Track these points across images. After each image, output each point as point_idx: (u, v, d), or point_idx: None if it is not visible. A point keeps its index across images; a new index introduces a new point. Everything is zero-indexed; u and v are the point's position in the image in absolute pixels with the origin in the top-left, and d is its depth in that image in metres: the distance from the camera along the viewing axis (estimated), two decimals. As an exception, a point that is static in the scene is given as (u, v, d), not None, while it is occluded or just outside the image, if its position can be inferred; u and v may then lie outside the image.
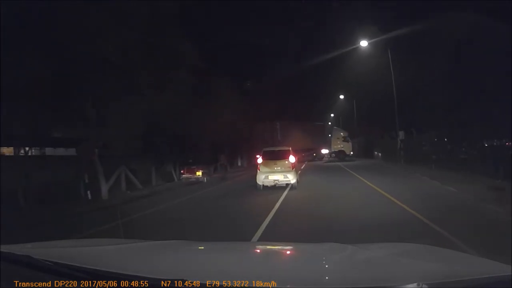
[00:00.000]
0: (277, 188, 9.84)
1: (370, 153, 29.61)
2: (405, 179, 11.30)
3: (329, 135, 28.96)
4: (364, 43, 19.95)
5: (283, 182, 9.91)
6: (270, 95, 26.61)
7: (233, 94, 19.02)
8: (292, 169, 10.01)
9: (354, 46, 20.61)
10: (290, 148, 10.73)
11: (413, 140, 18.76)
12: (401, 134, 18.88)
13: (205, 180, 13.51)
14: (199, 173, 13.45)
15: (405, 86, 18.68)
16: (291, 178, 9.86)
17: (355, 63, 24.15)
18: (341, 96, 37.82)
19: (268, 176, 9.90)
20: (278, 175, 9.90)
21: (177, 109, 12.12)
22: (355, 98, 33.81)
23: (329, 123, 31.95)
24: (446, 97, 16.57)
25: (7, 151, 10.54)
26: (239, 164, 25.37)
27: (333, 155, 27.73)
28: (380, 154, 26.74)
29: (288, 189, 9.77)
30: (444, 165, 13.54)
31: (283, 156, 10.25)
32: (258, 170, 10.21)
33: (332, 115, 45.81)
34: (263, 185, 9.99)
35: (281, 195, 8.62)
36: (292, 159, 10.16)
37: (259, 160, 10.37)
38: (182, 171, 13.96)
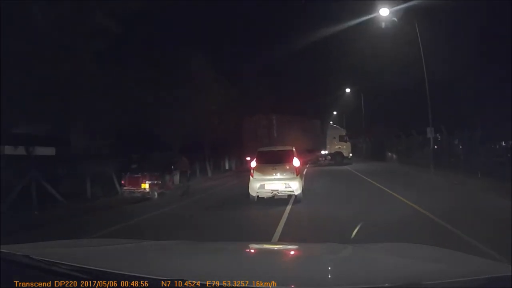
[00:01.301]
0: (276, 203, 8.89)
1: (380, 154, 30.20)
2: (471, 203, 8.26)
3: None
4: (384, 12, 17.78)
5: (284, 193, 9.19)
6: (264, 82, 26.85)
7: (214, 77, 18.38)
8: (297, 175, 9.28)
9: (372, 15, 18.68)
10: (294, 148, 9.96)
11: (443, 140, 18.35)
12: (430, 132, 18.03)
13: (155, 196, 11.53)
14: (145, 186, 11.30)
15: (431, 74, 18.39)
16: (295, 188, 9.08)
17: (366, 45, 24.40)
18: (347, 90, 38.61)
19: (264, 185, 9.16)
20: (278, 183, 9.14)
21: (112, 86, 10.81)
22: (364, 91, 34.68)
23: (331, 122, 32.49)
24: (483, 88, 16.48)
25: None
26: (227, 167, 25.46)
27: (329, 157, 27.50)
28: (394, 156, 27.29)
29: (291, 202, 8.95)
30: (495, 173, 11.93)
31: (284, 158, 9.49)
32: (251, 177, 9.41)
33: (335, 112, 47.16)
34: (257, 196, 9.28)
35: (281, 216, 7.30)
36: (296, 162, 9.43)
37: (253, 163, 9.64)
38: (122, 181, 11.79)
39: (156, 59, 14.54)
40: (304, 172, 16.86)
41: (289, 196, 9.31)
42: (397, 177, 14.91)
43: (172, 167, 13.26)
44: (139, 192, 11.37)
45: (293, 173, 9.23)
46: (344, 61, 31.22)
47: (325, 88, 39.25)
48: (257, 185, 9.19)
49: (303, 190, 9.55)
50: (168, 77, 14.96)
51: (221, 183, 15.97)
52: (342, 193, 10.95)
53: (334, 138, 27.91)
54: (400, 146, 26.51)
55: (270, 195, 9.20)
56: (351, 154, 28.39)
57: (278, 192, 9.14)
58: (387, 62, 22.81)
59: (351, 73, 34.66)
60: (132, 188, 11.48)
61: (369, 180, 14.26)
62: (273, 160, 9.52)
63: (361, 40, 23.90)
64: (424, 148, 20.46)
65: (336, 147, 27.74)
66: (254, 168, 9.47)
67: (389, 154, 29.08)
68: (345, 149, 27.85)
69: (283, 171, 9.28)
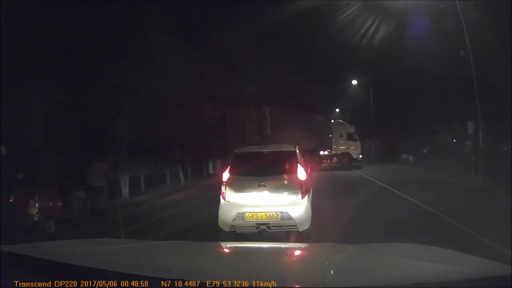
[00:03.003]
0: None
1: (392, 156, 31.02)
2: None
3: (329, 135, 29.69)
4: None
5: (279, 229, 6.57)
6: (254, 66, 26.95)
7: (181, 50, 17.10)
8: (302, 196, 6.66)
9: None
10: (297, 149, 7.51)
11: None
12: (470, 127, 17.36)
13: (52, 228, 9.08)
14: (33, 210, 8.86)
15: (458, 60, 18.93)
16: (299, 219, 6.51)
17: (381, 27, 24.83)
18: (354, 82, 39.61)
19: (244, 214, 6.58)
20: (269, 211, 6.54)
21: None
22: (373, 83, 35.66)
23: (332, 121, 33.54)
24: None
25: None
26: (211, 171, 25.68)
27: (335, 159, 28.07)
28: (411, 158, 28.17)
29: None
30: None
31: (280, 166, 6.99)
32: (221, 199, 6.95)
33: (337, 110, 48.76)
34: (234, 231, 6.76)
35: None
36: (301, 173, 6.86)
37: (225, 175, 7.12)
38: (10, 199, 9.27)
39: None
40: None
41: (287, 231, 6.67)
42: (444, 191, 12.40)
43: (88, 178, 10.45)
44: (29, 217, 8.81)
45: (296, 192, 6.68)
46: (351, 47, 31.78)
47: (327, 80, 40.14)
48: (232, 213, 6.66)
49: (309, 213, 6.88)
50: (105, 45, 13.33)
51: (191, 196, 14.09)
52: (374, 225, 7.72)
53: (341, 136, 28.39)
54: (419, 146, 27.32)
55: (255, 230, 6.57)
56: (360, 156, 28.89)
57: (268, 227, 6.52)
58: (404, 49, 23.35)
59: (359, 63, 35.72)
60: (19, 212, 8.89)
61: (402, 194, 11.84)
62: (261, 170, 6.92)
63: (375, 22, 24.40)
64: (456, 149, 21.05)
65: (343, 147, 28.26)
66: (226, 183, 6.96)
67: (404, 155, 29.95)
68: (354, 149, 28.31)
69: (279, 188, 6.73)
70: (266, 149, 7.73)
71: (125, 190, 14.69)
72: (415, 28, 20.65)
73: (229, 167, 7.27)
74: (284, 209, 6.57)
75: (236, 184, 6.96)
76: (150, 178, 18.62)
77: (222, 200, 6.98)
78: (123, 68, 13.65)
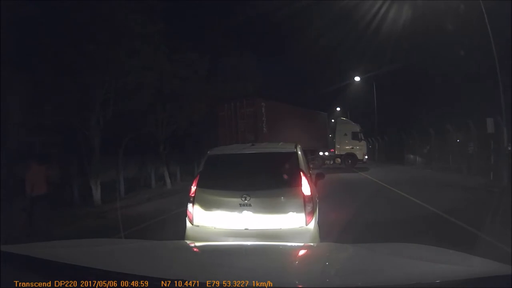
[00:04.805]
0: None
1: (397, 156, 31.58)
2: None
3: (329, 135, 30.01)
4: None
5: None
6: (248, 56, 27.20)
7: (158, 32, 15.76)
8: (308, 221, 5.07)
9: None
10: (298, 150, 5.83)
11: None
12: (490, 124, 17.45)
13: None
14: None
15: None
16: None
17: (387, 18, 25.28)
18: (356, 78, 40.32)
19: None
20: (256, 240, 4.82)
21: None
22: (377, 79, 36.29)
23: (332, 120, 33.86)
24: None
25: None
26: None
27: (338, 160, 28.51)
28: (418, 159, 28.56)
29: None
30: None
31: (274, 175, 5.49)
32: (187, 222, 5.45)
33: (338, 108, 49.58)
34: None
35: None
36: (305, 186, 5.24)
37: (193, 188, 5.54)
38: None
39: None
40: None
41: None
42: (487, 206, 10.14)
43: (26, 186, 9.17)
44: None
45: (298, 213, 5.11)
46: (354, 42, 32.14)
47: (327, 77, 40.63)
48: None
49: None
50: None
51: (172, 204, 12.30)
52: None
53: (345, 135, 28.73)
54: (425, 146, 27.68)
55: None
56: (366, 157, 29.21)
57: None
58: (410, 44, 23.60)
59: (362, 58, 36.37)
60: None
61: (448, 217, 9.24)
62: (245, 180, 5.38)
63: (378, 16, 24.73)
64: (464, 149, 21.29)
65: (348, 147, 28.59)
66: (194, 199, 5.45)
67: (411, 156, 30.33)
68: (359, 149, 28.65)
69: (272, 208, 5.19)
70: (253, 150, 5.99)
71: (97, 196, 13.80)
72: (423, 21, 21.00)
73: (197, 176, 5.64)
74: (280, 240, 4.90)
75: (208, 202, 5.37)
76: (136, 181, 18.63)
77: (188, 224, 5.43)
78: (94, 53, 12.71)
